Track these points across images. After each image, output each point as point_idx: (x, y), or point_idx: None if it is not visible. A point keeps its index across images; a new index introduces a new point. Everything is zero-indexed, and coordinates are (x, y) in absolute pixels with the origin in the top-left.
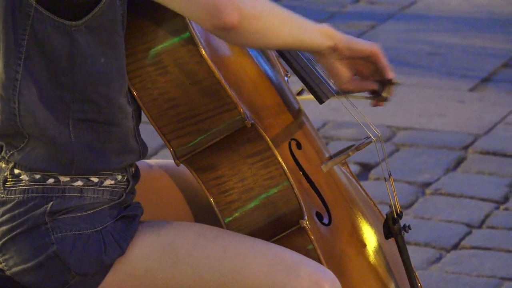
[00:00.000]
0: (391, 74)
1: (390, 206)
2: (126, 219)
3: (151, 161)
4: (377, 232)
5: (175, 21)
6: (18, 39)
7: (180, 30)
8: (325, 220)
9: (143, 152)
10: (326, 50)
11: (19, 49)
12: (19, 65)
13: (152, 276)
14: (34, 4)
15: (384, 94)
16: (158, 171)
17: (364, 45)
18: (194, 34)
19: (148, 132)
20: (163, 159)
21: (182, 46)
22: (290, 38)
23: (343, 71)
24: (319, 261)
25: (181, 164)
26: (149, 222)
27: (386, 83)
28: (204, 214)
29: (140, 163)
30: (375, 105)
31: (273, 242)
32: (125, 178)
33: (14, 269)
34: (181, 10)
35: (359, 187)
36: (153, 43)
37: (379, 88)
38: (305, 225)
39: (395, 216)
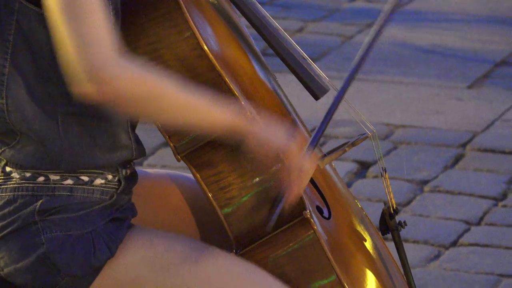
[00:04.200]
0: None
1: (385, 202)
2: (117, 221)
3: (153, 170)
4: (366, 229)
5: (174, 15)
6: (5, 33)
7: (180, 24)
8: (325, 214)
9: (137, 149)
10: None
11: (5, 44)
12: (6, 60)
13: (139, 284)
14: None
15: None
16: (161, 179)
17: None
18: (195, 28)
19: (146, 131)
20: (165, 170)
21: (182, 40)
22: (176, 122)
23: None
24: (323, 252)
25: (185, 170)
26: (143, 228)
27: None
28: (208, 223)
29: (143, 172)
30: None
31: (277, 234)
32: (116, 179)
33: (6, 270)
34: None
35: (346, 186)
36: (152, 38)
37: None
38: (308, 216)
39: (392, 212)
